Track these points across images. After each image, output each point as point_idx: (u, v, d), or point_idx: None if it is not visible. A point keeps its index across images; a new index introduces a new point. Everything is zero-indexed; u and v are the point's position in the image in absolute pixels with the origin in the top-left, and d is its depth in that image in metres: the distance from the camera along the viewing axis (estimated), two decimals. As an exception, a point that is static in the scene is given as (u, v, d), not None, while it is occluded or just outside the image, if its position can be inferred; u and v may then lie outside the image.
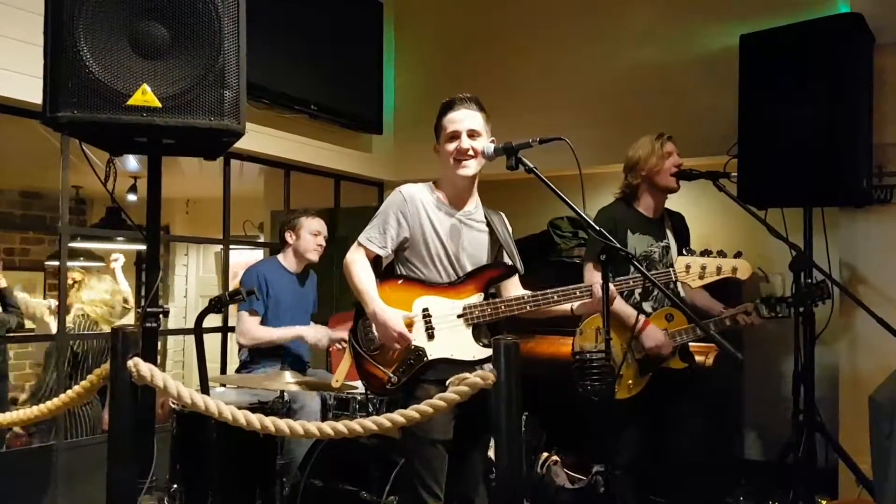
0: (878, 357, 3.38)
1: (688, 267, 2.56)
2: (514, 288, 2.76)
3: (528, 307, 2.57)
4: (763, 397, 4.54)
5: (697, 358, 3.52)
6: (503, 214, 2.80)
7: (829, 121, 3.17)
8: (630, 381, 3.08)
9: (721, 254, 2.72)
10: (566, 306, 2.62)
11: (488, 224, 2.72)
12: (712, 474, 3.45)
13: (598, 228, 2.31)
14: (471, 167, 2.60)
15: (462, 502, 2.65)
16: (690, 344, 3.15)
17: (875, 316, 3.05)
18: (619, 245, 2.34)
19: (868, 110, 3.35)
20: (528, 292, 2.65)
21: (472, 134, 2.60)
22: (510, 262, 2.67)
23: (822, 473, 3.54)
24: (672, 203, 3.43)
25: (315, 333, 3.76)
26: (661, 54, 4.36)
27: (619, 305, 3.04)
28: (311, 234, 3.87)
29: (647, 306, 3.15)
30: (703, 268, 2.57)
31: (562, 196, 2.35)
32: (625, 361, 3.01)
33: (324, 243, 3.91)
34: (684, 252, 2.73)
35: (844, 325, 3.61)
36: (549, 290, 2.56)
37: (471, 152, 2.58)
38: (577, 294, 2.57)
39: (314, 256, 3.91)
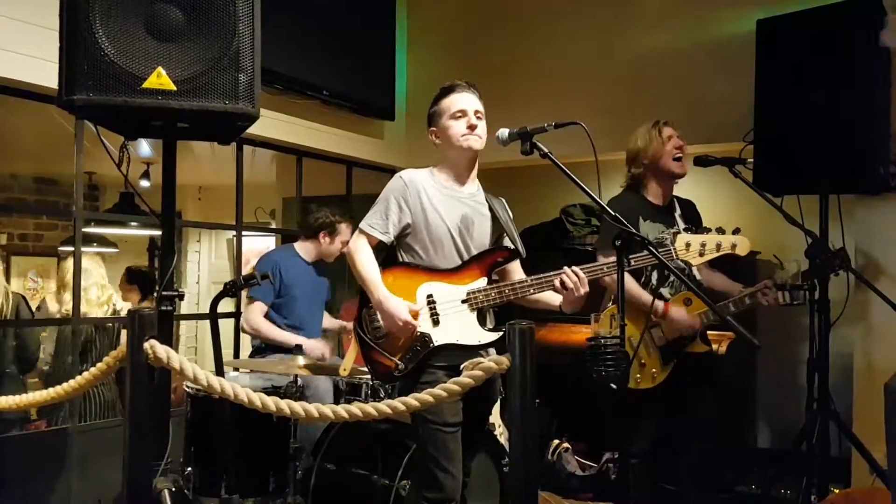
0: (894, 345, 3.36)
1: (688, 245, 2.54)
2: (515, 273, 2.77)
3: (531, 290, 2.57)
4: (776, 385, 4.52)
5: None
6: (503, 200, 2.81)
7: (847, 107, 3.13)
8: (654, 370, 3.06)
9: (720, 231, 2.67)
10: (555, 302, 2.62)
11: (490, 208, 2.73)
12: (724, 463, 3.44)
13: (613, 213, 2.30)
14: (479, 141, 2.64)
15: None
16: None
17: (891, 303, 3.02)
18: (633, 230, 2.32)
19: (886, 97, 3.31)
20: (521, 277, 2.66)
21: (478, 114, 2.65)
22: (512, 246, 2.67)
23: (836, 462, 3.53)
24: (687, 189, 3.41)
25: (314, 348, 3.76)
26: (677, 40, 4.33)
27: (636, 292, 3.02)
28: (342, 244, 3.90)
29: (664, 292, 3.13)
30: (703, 245, 2.55)
31: (577, 181, 2.34)
32: (644, 348, 3.00)
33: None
34: (683, 230, 2.71)
35: (859, 312, 3.58)
36: (550, 273, 2.54)
37: (479, 130, 2.62)
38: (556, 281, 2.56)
39: (331, 261, 3.98)
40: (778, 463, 4.07)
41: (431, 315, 2.56)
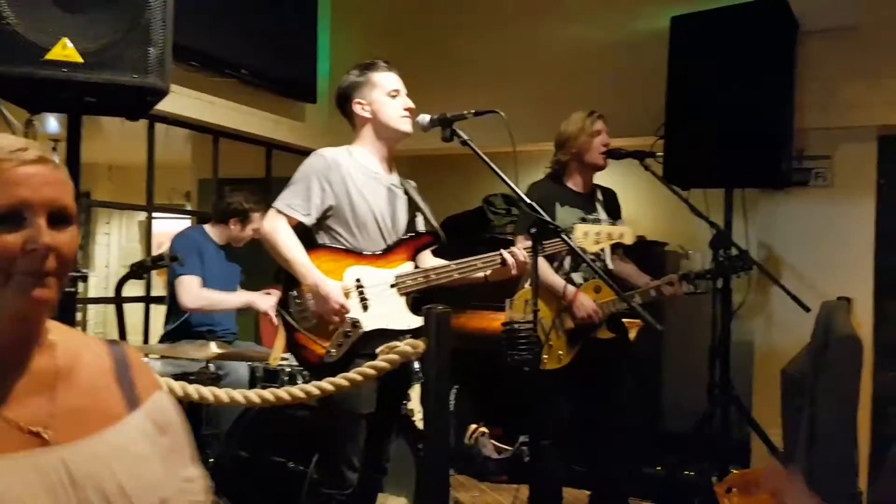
0: (792, 333, 3.53)
1: (585, 234, 2.67)
2: (428, 257, 2.73)
3: (455, 274, 2.56)
4: (681, 371, 4.69)
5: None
6: (414, 183, 2.77)
7: (752, 104, 3.26)
8: (560, 352, 3.14)
9: (612, 223, 3.00)
10: (482, 273, 2.62)
11: (405, 191, 2.69)
12: (632, 445, 3.56)
13: (528, 202, 2.34)
14: (411, 125, 2.60)
15: (377, 470, 2.66)
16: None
17: (789, 293, 3.18)
18: (548, 218, 2.36)
19: (790, 95, 3.47)
20: (442, 261, 2.66)
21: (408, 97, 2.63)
22: (434, 230, 2.67)
23: (737, 444, 3.70)
24: (603, 180, 3.49)
25: (266, 301, 3.64)
26: (596, 33, 4.40)
27: (549, 276, 3.09)
28: (254, 231, 3.80)
29: (576, 277, 3.21)
30: (598, 234, 2.73)
31: (494, 168, 2.37)
32: (553, 331, 3.08)
33: None
34: (582, 221, 2.97)
35: (760, 302, 3.75)
36: (471, 258, 2.58)
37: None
38: (497, 260, 2.59)
39: (239, 246, 3.88)
40: (683, 445, 4.23)
41: (361, 300, 2.48)
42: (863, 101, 3.62)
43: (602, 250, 3.18)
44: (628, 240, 2.86)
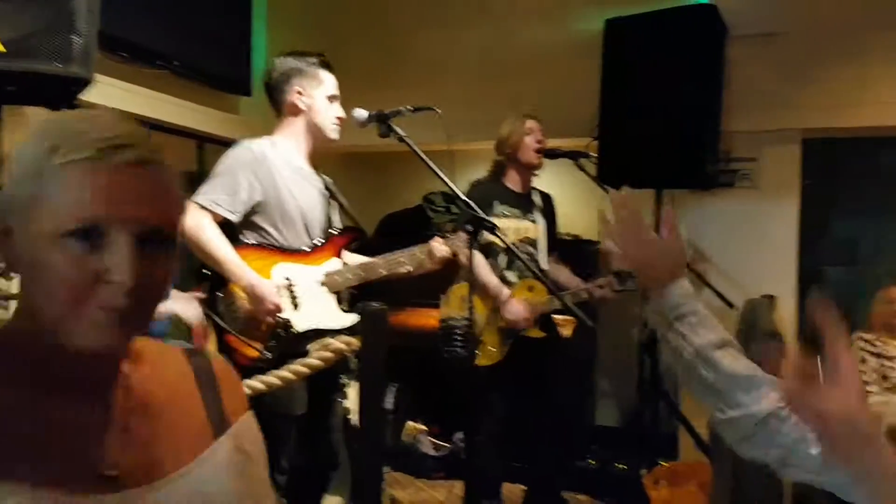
0: (718, 329, 3.65)
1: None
2: (348, 253, 2.70)
3: (382, 271, 2.54)
4: (614, 367, 4.79)
5: (556, 329, 3.68)
6: (330, 179, 2.73)
7: (682, 106, 3.35)
8: (493, 349, 3.17)
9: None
10: (409, 268, 2.61)
11: (326, 186, 2.66)
12: (566, 440, 3.62)
13: (464, 199, 2.35)
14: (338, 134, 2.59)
15: (328, 466, 2.62)
16: (553, 316, 3.30)
17: (715, 290, 3.28)
18: (484, 216, 2.37)
19: (718, 98, 3.57)
20: (365, 258, 2.64)
21: None
22: (358, 226, 2.65)
23: (666, 438, 3.79)
24: (539, 179, 3.53)
25: (185, 309, 3.57)
26: (532, 35, 4.43)
27: (485, 275, 3.11)
28: None
29: (510, 275, 3.25)
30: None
31: (430, 165, 2.37)
32: (486, 327, 3.11)
33: None
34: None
35: (689, 299, 3.85)
36: (396, 252, 2.58)
37: None
38: (420, 255, 2.58)
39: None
40: (615, 440, 4.32)
41: (291, 299, 2.44)
42: (788, 105, 3.75)
43: (536, 247, 3.24)
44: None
